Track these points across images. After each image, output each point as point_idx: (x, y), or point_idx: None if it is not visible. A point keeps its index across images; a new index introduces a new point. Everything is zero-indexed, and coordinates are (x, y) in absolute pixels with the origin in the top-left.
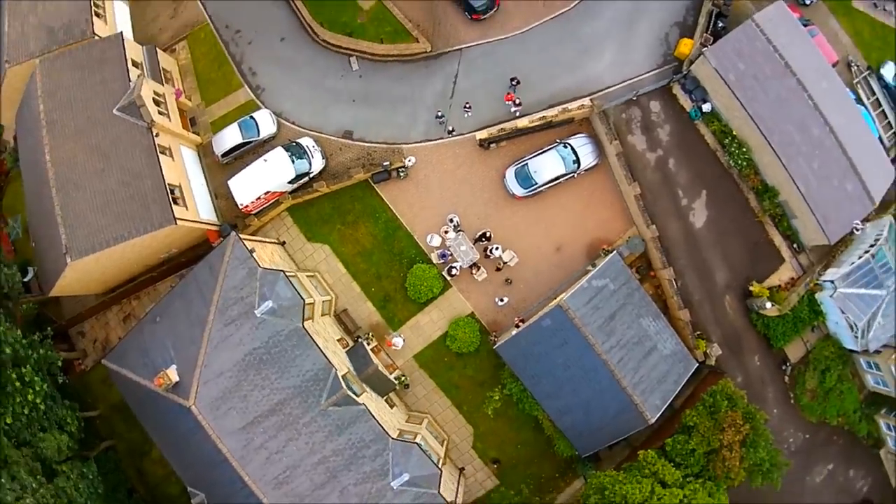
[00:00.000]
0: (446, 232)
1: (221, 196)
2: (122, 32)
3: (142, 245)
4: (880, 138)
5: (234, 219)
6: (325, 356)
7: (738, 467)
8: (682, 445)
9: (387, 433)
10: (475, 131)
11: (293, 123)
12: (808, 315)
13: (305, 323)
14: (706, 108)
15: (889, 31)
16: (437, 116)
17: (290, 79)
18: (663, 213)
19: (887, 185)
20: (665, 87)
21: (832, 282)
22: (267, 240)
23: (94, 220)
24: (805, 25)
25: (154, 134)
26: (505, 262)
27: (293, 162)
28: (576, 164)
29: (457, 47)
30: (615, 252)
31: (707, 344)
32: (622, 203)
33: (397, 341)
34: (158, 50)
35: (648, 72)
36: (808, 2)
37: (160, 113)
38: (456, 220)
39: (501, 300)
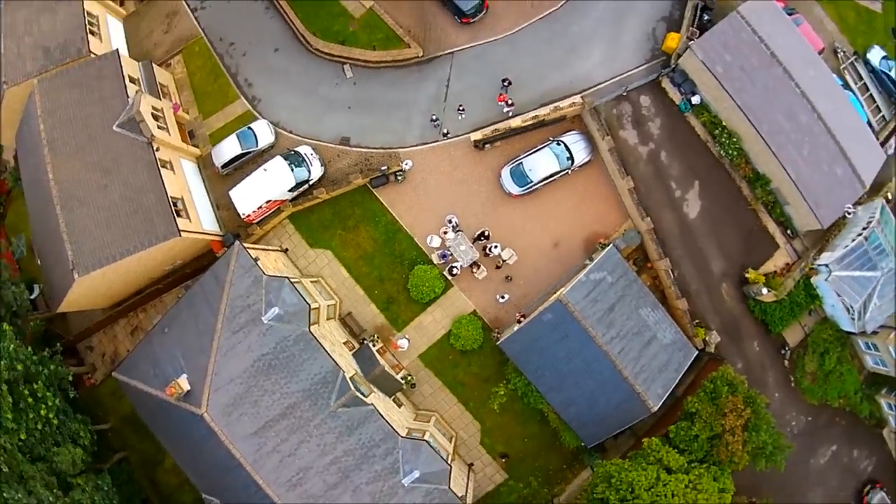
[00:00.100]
0: (445, 232)
1: (223, 206)
2: (117, 49)
3: (147, 258)
4: (869, 122)
5: (236, 228)
6: (333, 359)
7: (741, 451)
8: (686, 432)
9: (396, 432)
10: (470, 133)
11: (290, 132)
12: (805, 299)
13: (312, 327)
14: (695, 100)
15: (874, 16)
16: (432, 120)
17: (286, 88)
18: (657, 205)
19: (877, 168)
20: (654, 81)
21: (827, 265)
22: (270, 248)
23: (100, 235)
24: (790, 14)
25: (155, 149)
26: (504, 260)
27: (292, 170)
28: (569, 161)
29: (448, 51)
30: (612, 245)
31: (706, 332)
32: (617, 197)
33: (403, 343)
34: (154, 65)
35: (637, 67)
36: None
37: (159, 127)
38: (454, 220)
39: (502, 297)
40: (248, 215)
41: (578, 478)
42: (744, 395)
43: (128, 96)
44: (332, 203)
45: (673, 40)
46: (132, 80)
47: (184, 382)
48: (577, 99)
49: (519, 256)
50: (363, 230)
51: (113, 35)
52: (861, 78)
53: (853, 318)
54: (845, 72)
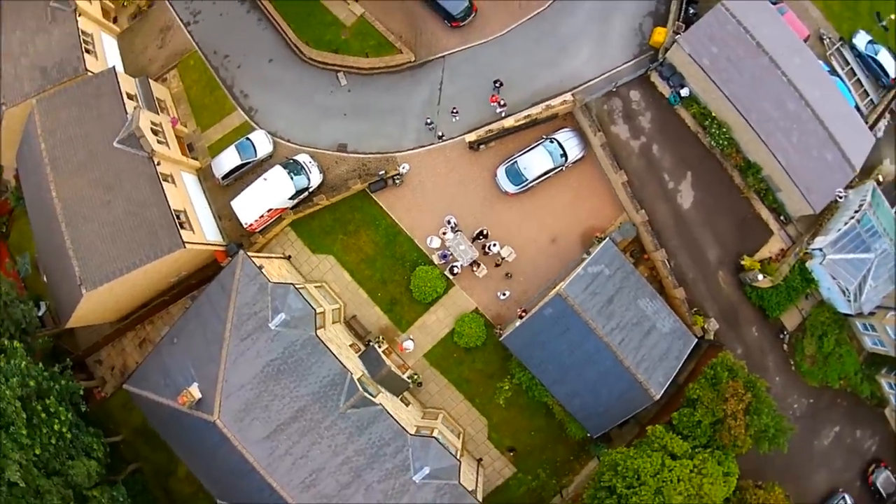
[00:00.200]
0: (445, 233)
1: (225, 217)
2: (114, 67)
3: (153, 271)
4: (857, 106)
5: (239, 238)
6: (340, 361)
7: (743, 435)
8: (689, 418)
9: (405, 430)
10: (464, 134)
11: (288, 141)
12: (801, 283)
13: (318, 331)
14: (684, 92)
15: (859, 1)
16: (427, 123)
17: (282, 98)
18: (651, 197)
19: (866, 151)
20: (643, 75)
21: (821, 249)
22: (273, 255)
23: (105, 250)
24: (774, 4)
25: (156, 163)
26: (503, 258)
27: (292, 178)
28: (563, 158)
29: (439, 55)
30: (608, 239)
31: (704, 319)
32: (611, 191)
33: (408, 344)
34: (150, 80)
35: (626, 63)
36: None
37: (159, 142)
38: (453, 221)
39: (503, 294)
40: (251, 224)
41: (586, 468)
42: (744, 379)
43: (126, 112)
44: (333, 209)
45: (660, 35)
46: (130, 97)
47: (195, 391)
48: (568, 97)
49: (518, 254)
50: (364, 234)
51: (108, 52)
52: (847, 63)
53: (849, 301)
54: (832, 58)
